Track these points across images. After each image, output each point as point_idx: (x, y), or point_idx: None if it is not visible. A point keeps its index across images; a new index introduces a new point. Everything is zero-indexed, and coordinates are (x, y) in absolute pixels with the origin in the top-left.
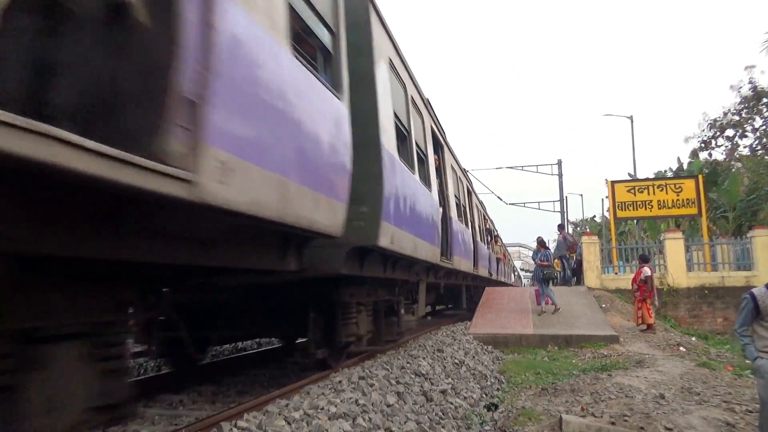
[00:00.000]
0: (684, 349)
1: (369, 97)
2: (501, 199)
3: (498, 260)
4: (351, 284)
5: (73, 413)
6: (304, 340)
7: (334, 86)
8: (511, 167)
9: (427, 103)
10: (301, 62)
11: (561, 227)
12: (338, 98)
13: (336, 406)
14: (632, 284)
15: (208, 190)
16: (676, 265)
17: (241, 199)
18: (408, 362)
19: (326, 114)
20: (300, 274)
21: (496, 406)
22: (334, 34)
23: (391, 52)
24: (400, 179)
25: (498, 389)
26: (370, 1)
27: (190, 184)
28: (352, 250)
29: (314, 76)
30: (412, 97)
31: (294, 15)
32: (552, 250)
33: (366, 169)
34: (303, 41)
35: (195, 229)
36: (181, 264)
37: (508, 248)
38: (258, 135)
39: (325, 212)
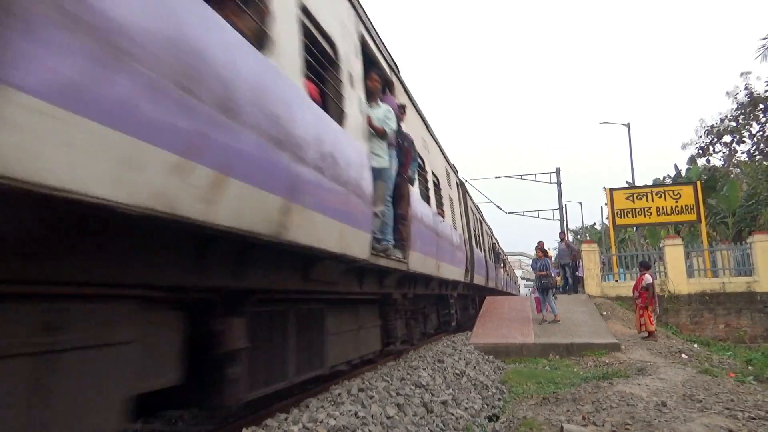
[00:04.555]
0: (686, 356)
1: None
2: (500, 208)
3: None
4: None
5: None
6: None
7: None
8: (510, 176)
9: None
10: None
11: (563, 235)
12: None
13: (335, 419)
14: (633, 291)
15: (410, 266)
16: (677, 271)
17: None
18: (408, 373)
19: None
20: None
21: (498, 417)
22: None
23: None
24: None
25: (499, 399)
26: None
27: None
28: None
29: (451, 227)
30: None
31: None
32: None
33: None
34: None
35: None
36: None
37: (508, 257)
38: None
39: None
